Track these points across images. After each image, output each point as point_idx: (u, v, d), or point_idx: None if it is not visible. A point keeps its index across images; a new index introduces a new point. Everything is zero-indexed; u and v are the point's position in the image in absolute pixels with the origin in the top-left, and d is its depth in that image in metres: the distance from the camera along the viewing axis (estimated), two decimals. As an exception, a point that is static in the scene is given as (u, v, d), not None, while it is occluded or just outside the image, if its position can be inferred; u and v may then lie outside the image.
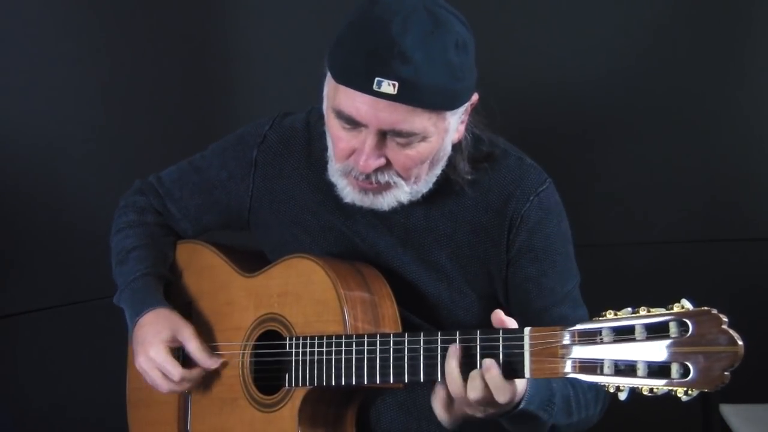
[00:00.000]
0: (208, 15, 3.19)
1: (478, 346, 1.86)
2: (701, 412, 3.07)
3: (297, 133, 2.21)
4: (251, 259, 2.26)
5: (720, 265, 3.20)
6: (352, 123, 1.95)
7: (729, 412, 2.96)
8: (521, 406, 1.90)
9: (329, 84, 1.99)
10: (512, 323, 1.87)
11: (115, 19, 3.08)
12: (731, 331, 1.60)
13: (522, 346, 1.81)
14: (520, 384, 1.88)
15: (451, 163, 2.07)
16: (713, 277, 3.17)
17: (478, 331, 1.86)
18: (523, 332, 1.82)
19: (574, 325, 1.74)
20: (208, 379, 2.20)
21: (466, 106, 2.00)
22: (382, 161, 1.97)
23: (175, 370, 2.14)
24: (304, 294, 2.08)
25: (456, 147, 2.06)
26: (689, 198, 3.21)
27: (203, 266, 2.29)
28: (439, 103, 1.93)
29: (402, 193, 2.02)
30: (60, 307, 3.09)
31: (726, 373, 1.59)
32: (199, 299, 2.27)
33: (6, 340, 3.06)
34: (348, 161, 2.00)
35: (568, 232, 2.15)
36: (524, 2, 3.17)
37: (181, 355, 2.19)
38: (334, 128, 1.99)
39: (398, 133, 1.93)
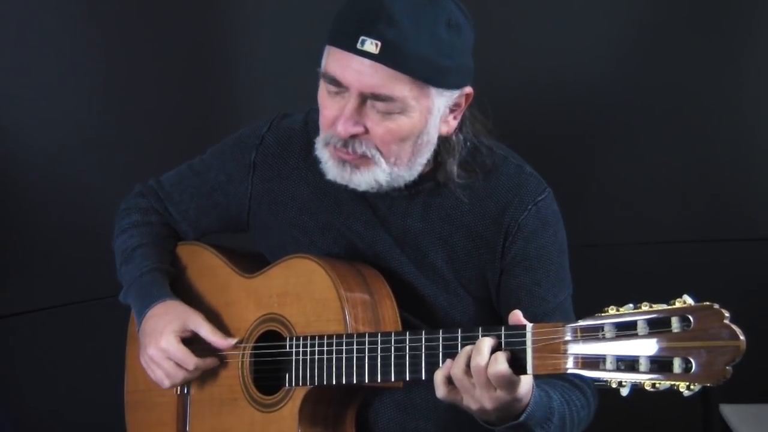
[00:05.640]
0: (208, 16, 3.19)
1: None
2: (701, 412, 3.07)
3: (295, 134, 2.21)
4: (251, 261, 2.25)
5: (720, 265, 3.20)
6: (336, 84, 1.97)
7: (729, 412, 2.96)
8: (521, 419, 1.90)
9: (324, 53, 2.01)
10: (529, 325, 1.85)
11: (115, 19, 3.08)
12: (733, 326, 1.61)
13: (524, 342, 1.81)
14: (525, 393, 1.87)
15: (439, 161, 2.07)
16: (713, 277, 3.17)
17: (480, 328, 1.87)
18: (525, 328, 1.82)
19: (576, 321, 1.75)
20: (208, 379, 2.20)
21: (456, 96, 2.01)
22: (360, 128, 1.98)
23: (190, 359, 2.13)
24: (305, 294, 2.08)
25: (446, 145, 2.06)
26: (689, 198, 3.22)
27: (203, 267, 2.29)
28: (422, 72, 1.93)
29: (380, 171, 2.01)
30: (59, 307, 3.09)
31: (728, 367, 1.60)
32: (199, 300, 2.26)
33: (5, 340, 3.06)
34: (330, 130, 2.01)
35: (564, 243, 2.15)
36: (522, 2, 3.17)
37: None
38: (321, 95, 2.02)
39: (377, 97, 1.94)
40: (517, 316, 1.86)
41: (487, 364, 1.81)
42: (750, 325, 1.67)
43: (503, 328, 1.84)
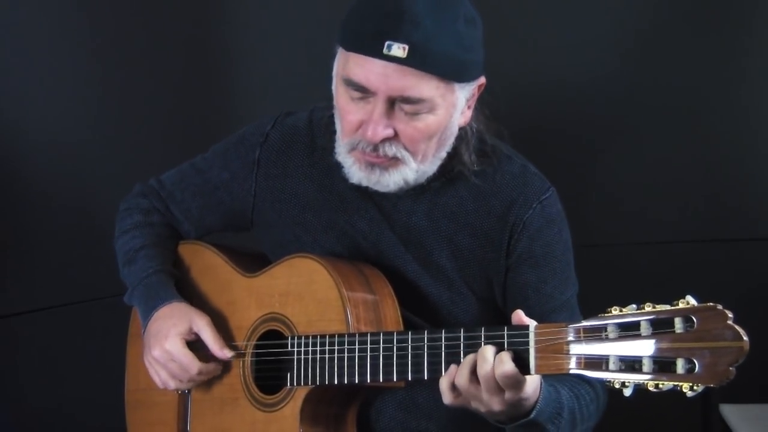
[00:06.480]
0: (209, 15, 3.19)
1: (482, 343, 1.86)
2: (701, 412, 3.07)
3: (300, 132, 2.21)
4: (252, 260, 2.26)
5: (720, 265, 3.21)
6: (362, 90, 1.96)
7: (729, 412, 2.96)
8: (531, 416, 1.90)
9: (339, 57, 2.00)
10: (532, 325, 1.86)
11: (115, 19, 3.07)
12: (737, 327, 1.61)
13: (527, 342, 1.81)
14: (532, 392, 1.87)
15: (456, 152, 2.08)
16: (713, 277, 3.17)
17: (483, 328, 1.87)
18: (528, 329, 1.82)
19: (579, 322, 1.75)
20: (209, 378, 2.19)
21: (473, 87, 2.01)
22: (390, 131, 1.97)
23: (193, 363, 2.13)
24: (307, 294, 2.08)
25: (461, 136, 2.07)
26: (689, 198, 3.22)
27: (205, 266, 2.29)
28: (448, 70, 1.94)
29: (409, 170, 2.02)
30: (60, 307, 3.08)
31: (731, 368, 1.60)
32: (201, 300, 2.26)
33: (5, 340, 3.05)
34: (356, 135, 2.00)
35: (569, 241, 2.15)
36: (524, 2, 3.17)
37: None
38: (342, 101, 2.00)
39: (407, 100, 1.94)
40: (519, 315, 1.86)
41: (493, 368, 1.82)
42: (750, 325, 1.67)
43: (506, 328, 1.85)
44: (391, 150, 1.99)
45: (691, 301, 1.64)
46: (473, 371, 1.85)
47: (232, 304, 2.21)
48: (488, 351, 1.83)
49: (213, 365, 2.15)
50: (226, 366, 2.18)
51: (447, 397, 1.90)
